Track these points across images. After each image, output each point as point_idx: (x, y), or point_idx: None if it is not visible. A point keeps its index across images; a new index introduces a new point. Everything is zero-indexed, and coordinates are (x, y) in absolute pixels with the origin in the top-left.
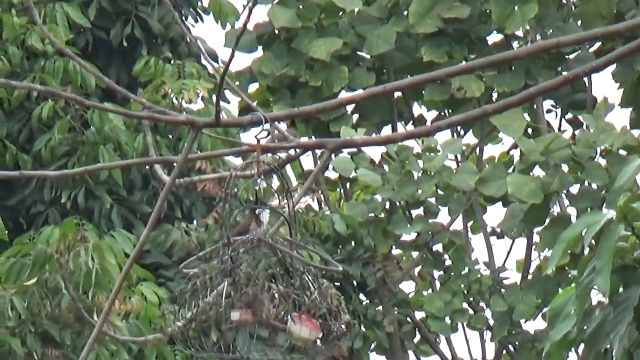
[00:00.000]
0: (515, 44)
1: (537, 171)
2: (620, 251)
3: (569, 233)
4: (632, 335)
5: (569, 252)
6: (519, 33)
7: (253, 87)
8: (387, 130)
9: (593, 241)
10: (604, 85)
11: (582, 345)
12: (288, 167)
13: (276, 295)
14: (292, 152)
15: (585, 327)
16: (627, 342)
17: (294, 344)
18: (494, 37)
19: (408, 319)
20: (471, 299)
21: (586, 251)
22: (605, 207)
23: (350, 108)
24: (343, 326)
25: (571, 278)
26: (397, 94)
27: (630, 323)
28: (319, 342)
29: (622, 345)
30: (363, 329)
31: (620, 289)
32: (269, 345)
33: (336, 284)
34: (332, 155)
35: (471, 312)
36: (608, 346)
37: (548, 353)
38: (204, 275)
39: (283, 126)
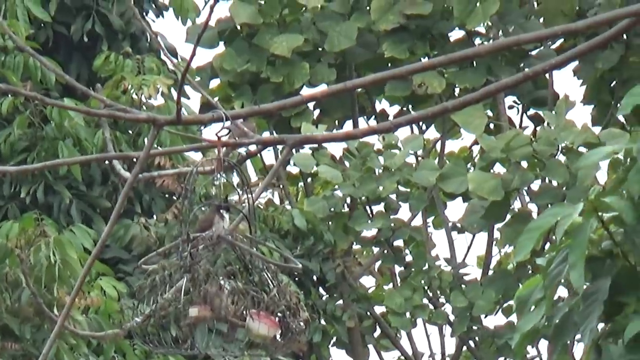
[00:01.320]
0: (477, 41)
1: (498, 168)
2: (589, 242)
3: (540, 222)
4: (601, 328)
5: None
6: (481, 30)
7: (214, 82)
8: (348, 126)
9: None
10: (566, 81)
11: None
12: (249, 162)
13: (234, 292)
14: (252, 147)
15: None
16: (596, 333)
17: (253, 340)
18: (455, 34)
19: (368, 313)
20: (431, 294)
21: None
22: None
23: (311, 104)
24: (302, 323)
25: (531, 274)
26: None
27: (599, 316)
28: (278, 337)
29: (591, 337)
30: (323, 323)
31: (589, 282)
32: (228, 340)
33: (296, 279)
34: (293, 151)
35: (432, 307)
36: (574, 338)
37: (517, 344)
38: (163, 271)
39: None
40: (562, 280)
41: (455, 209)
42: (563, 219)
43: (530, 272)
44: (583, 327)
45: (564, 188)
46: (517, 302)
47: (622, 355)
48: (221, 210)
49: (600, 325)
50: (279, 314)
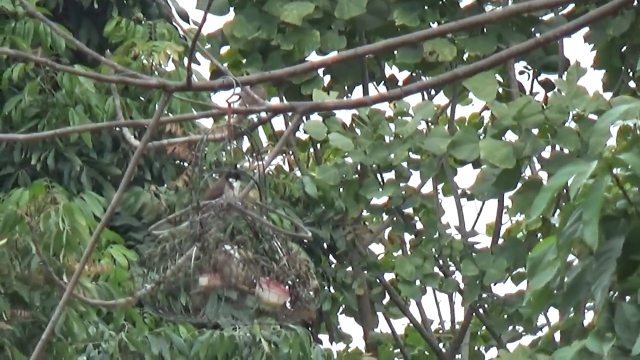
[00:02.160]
0: (487, 8)
1: (509, 135)
2: (604, 202)
3: (554, 182)
4: (614, 287)
5: (541, 217)
6: None
7: (225, 50)
8: (358, 92)
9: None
10: (577, 47)
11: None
12: (260, 129)
13: (244, 260)
14: (263, 114)
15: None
16: (609, 293)
17: (262, 308)
18: (466, 1)
19: (378, 281)
20: (442, 263)
21: (572, 200)
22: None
23: (321, 71)
24: (311, 292)
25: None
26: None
27: (612, 274)
28: (288, 305)
29: (604, 296)
30: (332, 291)
31: (603, 241)
32: (238, 308)
33: (305, 246)
34: (303, 118)
35: (442, 276)
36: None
37: (529, 302)
38: (173, 239)
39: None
40: (583, 238)
41: (465, 177)
42: (577, 177)
43: (540, 240)
44: (595, 285)
45: (576, 156)
46: (530, 264)
47: (635, 314)
48: (231, 178)
49: (614, 286)
50: (288, 283)
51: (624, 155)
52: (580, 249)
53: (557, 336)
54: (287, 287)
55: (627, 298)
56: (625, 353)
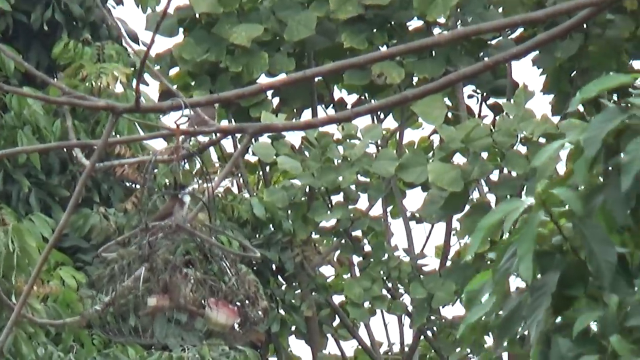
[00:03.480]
0: (436, 30)
1: (457, 158)
2: (539, 237)
3: (488, 220)
4: (549, 320)
5: (489, 239)
6: (440, 20)
7: (174, 71)
8: (307, 115)
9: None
10: (525, 71)
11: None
12: (211, 149)
13: (193, 281)
14: (213, 136)
15: (500, 312)
16: (544, 326)
17: (211, 329)
18: (414, 23)
19: (327, 303)
20: (390, 285)
21: (505, 237)
22: (525, 195)
23: (270, 93)
24: (260, 312)
25: (489, 264)
26: (318, 77)
27: (547, 309)
28: (237, 327)
29: (538, 330)
30: (281, 312)
31: (539, 275)
32: (187, 330)
33: (254, 268)
34: (252, 140)
35: (390, 298)
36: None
37: (462, 335)
38: (121, 260)
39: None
40: (514, 275)
41: (414, 199)
42: (510, 214)
43: (489, 262)
44: (530, 319)
45: (524, 179)
46: (467, 297)
47: (571, 349)
48: (180, 197)
49: (549, 320)
50: (237, 303)
51: (557, 190)
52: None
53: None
54: (235, 307)
55: (563, 333)
56: None
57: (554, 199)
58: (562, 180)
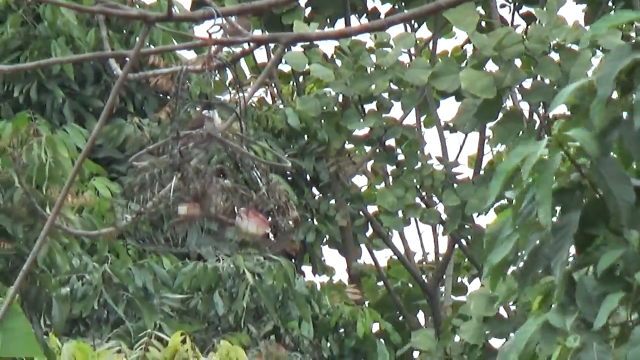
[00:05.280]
0: None
1: (490, 66)
2: (557, 175)
3: (507, 164)
4: (572, 261)
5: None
6: None
7: None
8: (340, 24)
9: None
10: None
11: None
12: (242, 61)
13: (224, 190)
14: (245, 45)
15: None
16: (567, 266)
17: (243, 239)
18: None
19: (361, 213)
20: (424, 193)
21: (525, 183)
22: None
23: (302, 2)
24: (291, 222)
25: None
26: None
27: (569, 249)
28: (269, 236)
29: (562, 271)
30: (315, 223)
31: (555, 217)
32: (218, 239)
33: (289, 178)
34: (285, 50)
35: (424, 206)
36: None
37: (487, 277)
38: (152, 168)
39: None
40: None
41: (448, 109)
42: (528, 158)
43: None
44: (554, 260)
45: (556, 86)
46: (487, 238)
47: (595, 287)
48: (209, 109)
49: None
50: (268, 213)
51: (573, 131)
52: (538, 226)
53: None
54: (266, 216)
55: (586, 271)
56: (587, 327)
57: (568, 139)
58: (577, 120)
